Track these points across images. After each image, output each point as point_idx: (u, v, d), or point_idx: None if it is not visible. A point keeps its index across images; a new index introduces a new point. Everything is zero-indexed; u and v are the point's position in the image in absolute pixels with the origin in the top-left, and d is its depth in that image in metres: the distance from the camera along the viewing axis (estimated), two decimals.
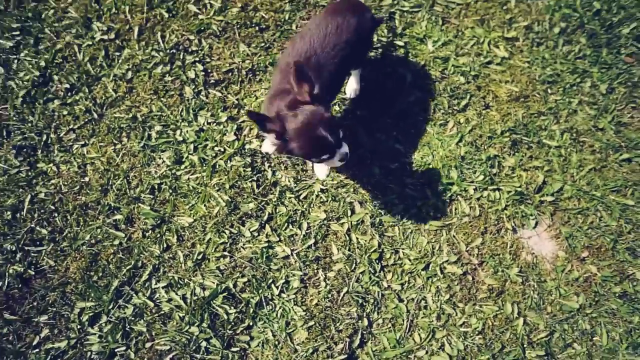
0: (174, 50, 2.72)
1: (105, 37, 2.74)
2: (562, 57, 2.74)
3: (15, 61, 2.71)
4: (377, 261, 2.37)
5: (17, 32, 2.76)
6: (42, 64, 2.70)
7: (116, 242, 2.41)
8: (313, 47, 2.02)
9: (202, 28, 2.76)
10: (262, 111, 2.14)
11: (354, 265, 2.37)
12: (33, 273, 2.35)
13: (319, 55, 2.02)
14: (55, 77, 2.68)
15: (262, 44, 2.72)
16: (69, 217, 2.45)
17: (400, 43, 2.74)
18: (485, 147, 2.56)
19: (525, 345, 2.25)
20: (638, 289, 2.33)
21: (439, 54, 2.73)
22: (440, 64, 2.71)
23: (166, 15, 2.77)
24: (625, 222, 2.42)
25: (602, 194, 2.47)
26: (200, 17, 2.77)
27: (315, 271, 2.37)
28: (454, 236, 2.42)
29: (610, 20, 2.81)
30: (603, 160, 2.54)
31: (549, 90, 2.68)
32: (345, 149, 1.96)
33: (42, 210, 2.46)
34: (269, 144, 2.38)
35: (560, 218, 2.46)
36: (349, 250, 2.39)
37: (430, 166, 2.53)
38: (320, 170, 2.43)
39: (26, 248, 2.40)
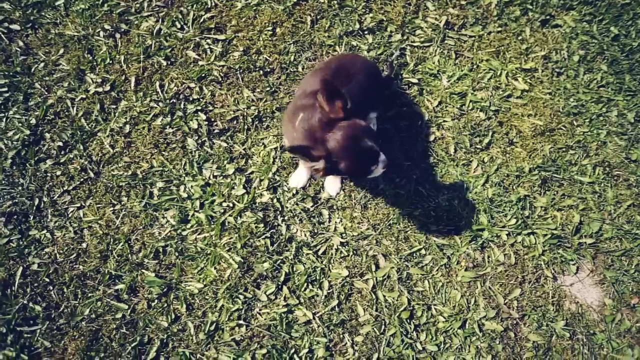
0: (174, 100, 2.55)
1: (100, 89, 2.57)
2: (584, 87, 2.59)
3: (4, 120, 2.52)
4: (408, 320, 2.15)
5: (5, 89, 2.57)
6: (33, 121, 2.51)
7: (119, 315, 2.17)
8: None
9: (203, 75, 2.59)
10: (284, 126, 2.17)
11: (383, 326, 2.15)
12: (26, 358, 2.10)
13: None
14: (47, 135, 2.49)
15: (267, 89, 2.56)
16: (65, 290, 2.22)
17: (414, 80, 2.59)
18: (514, 187, 2.38)
19: None
20: None
21: (455, 89, 2.58)
22: (457, 99, 2.56)
23: (164, 63, 2.61)
24: None
25: None
26: (200, 63, 2.61)
27: (341, 336, 2.14)
28: (489, 288, 2.21)
29: (630, 45, 2.68)
30: None
31: (575, 122, 2.52)
32: (383, 155, 1.88)
33: (35, 284, 2.23)
34: (299, 177, 2.32)
35: (602, 261, 2.26)
36: (377, 310, 2.18)
37: (457, 211, 2.34)
38: (332, 185, 2.34)
39: (18, 329, 2.15)
